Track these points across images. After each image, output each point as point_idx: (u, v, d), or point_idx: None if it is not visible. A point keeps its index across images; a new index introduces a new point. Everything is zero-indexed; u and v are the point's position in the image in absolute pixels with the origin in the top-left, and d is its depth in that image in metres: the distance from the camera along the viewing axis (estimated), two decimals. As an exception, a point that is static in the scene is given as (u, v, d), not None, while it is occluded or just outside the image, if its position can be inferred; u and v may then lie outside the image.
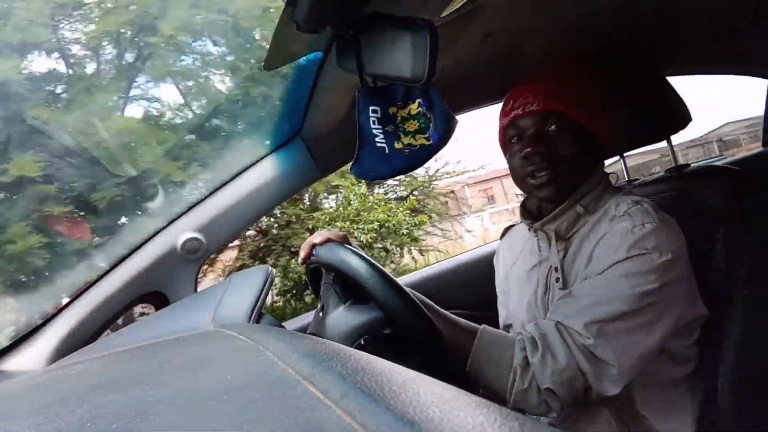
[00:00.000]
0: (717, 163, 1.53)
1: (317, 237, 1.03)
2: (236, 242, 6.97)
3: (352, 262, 0.89)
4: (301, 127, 1.43)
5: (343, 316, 0.92)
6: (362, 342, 0.86)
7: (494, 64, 1.38)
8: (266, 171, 1.43)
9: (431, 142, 0.94)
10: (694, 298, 1.04)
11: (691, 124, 1.33)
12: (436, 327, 0.88)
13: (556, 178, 1.05)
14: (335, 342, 0.51)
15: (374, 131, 0.96)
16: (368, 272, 0.87)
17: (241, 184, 1.42)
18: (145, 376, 0.48)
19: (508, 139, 1.13)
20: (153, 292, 1.37)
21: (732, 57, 1.81)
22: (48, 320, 1.29)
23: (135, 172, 4.18)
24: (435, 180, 8.07)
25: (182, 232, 1.37)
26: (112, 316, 1.32)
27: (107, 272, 1.34)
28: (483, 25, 1.15)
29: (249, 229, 6.75)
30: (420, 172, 7.81)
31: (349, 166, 1.04)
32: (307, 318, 1.69)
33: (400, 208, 7.15)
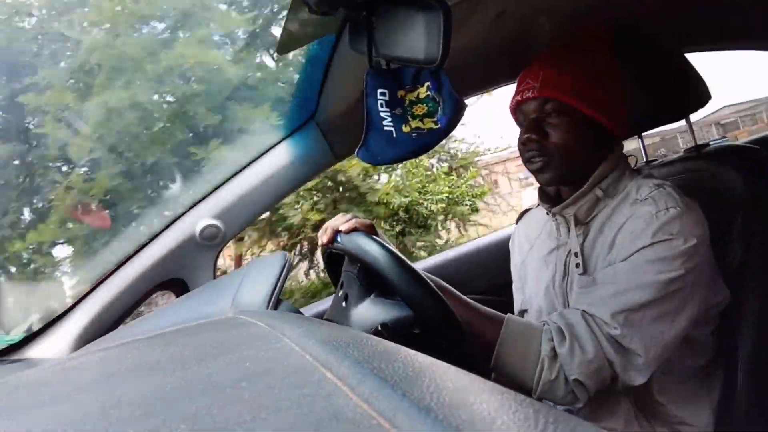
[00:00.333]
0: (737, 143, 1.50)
1: (341, 223, 0.97)
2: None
3: (381, 257, 0.85)
4: (315, 111, 1.42)
5: (369, 310, 0.90)
6: (379, 328, 0.86)
7: (506, 45, 1.36)
8: (282, 156, 1.44)
9: (439, 125, 0.93)
10: (716, 282, 1.02)
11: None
12: (465, 331, 0.86)
13: (550, 165, 1.05)
14: None
15: (382, 114, 0.95)
16: (397, 269, 0.83)
17: (257, 170, 1.43)
18: (165, 363, 0.49)
19: (517, 122, 1.13)
20: (172, 279, 1.38)
21: (752, 31, 1.76)
22: (70, 308, 1.32)
23: (153, 158, 4.21)
24: (480, 155, 7.98)
25: (200, 219, 1.38)
26: (133, 304, 1.34)
27: (127, 260, 1.36)
28: (495, 4, 1.13)
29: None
30: (463, 147, 7.72)
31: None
32: (325, 304, 1.70)
33: (462, 180, 7.15)
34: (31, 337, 1.29)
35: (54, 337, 1.27)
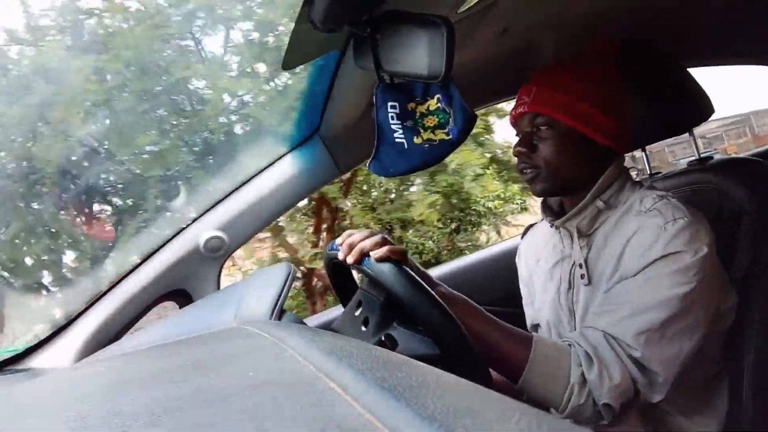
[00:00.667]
0: (742, 155, 1.50)
1: (370, 245, 0.90)
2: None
3: (416, 297, 0.82)
4: (319, 125, 1.43)
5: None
6: (382, 338, 0.86)
7: (510, 60, 1.37)
8: (286, 169, 1.44)
9: (451, 136, 0.94)
10: (725, 286, 1.04)
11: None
12: (491, 377, 0.87)
13: (539, 177, 1.07)
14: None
15: (393, 127, 0.95)
16: (431, 311, 0.81)
17: (262, 183, 1.44)
18: (169, 373, 0.49)
19: (517, 135, 1.15)
20: (177, 290, 1.39)
21: (754, 46, 1.77)
22: (75, 319, 1.32)
23: (160, 171, 4.23)
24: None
25: (204, 231, 1.39)
26: (136, 314, 1.34)
27: (132, 271, 1.36)
28: (499, 20, 1.15)
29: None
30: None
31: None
32: (328, 315, 1.70)
33: (510, 181, 7.21)
34: (35, 347, 1.29)
35: (58, 347, 1.28)
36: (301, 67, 1.20)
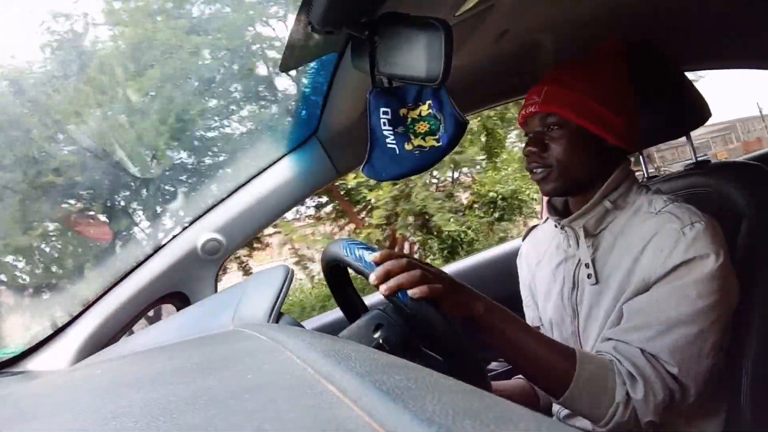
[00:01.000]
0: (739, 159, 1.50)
1: (407, 281, 0.83)
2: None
3: (451, 343, 0.80)
4: (317, 128, 1.43)
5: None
6: (380, 341, 0.86)
7: (510, 62, 1.38)
8: (283, 171, 1.44)
9: (441, 143, 0.94)
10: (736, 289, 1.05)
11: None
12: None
13: (550, 176, 1.07)
14: None
15: (385, 132, 0.96)
16: (463, 359, 0.81)
17: (259, 185, 1.44)
18: (167, 375, 0.49)
19: (526, 135, 1.15)
20: (174, 292, 1.39)
21: (753, 51, 1.78)
22: (72, 320, 1.32)
23: (155, 173, 4.23)
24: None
25: (202, 233, 1.39)
26: (134, 316, 1.34)
27: (129, 273, 1.36)
28: (497, 23, 1.15)
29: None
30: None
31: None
32: (326, 318, 1.70)
33: None
34: (32, 349, 1.29)
35: (55, 349, 1.27)
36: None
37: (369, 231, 7.10)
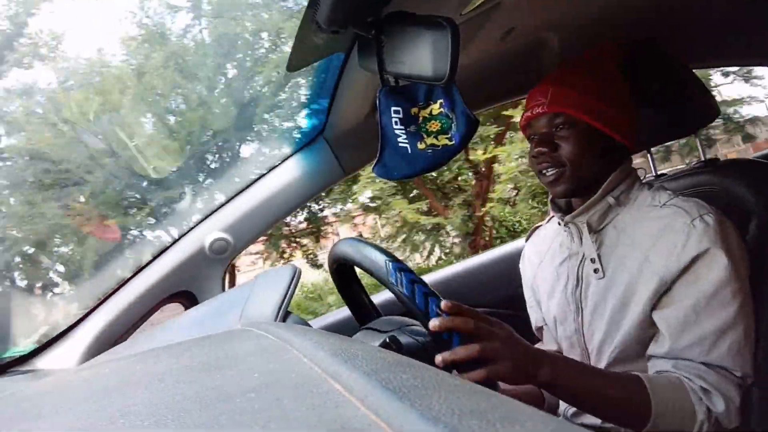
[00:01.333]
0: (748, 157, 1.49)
1: (462, 360, 0.81)
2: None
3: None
4: (323, 127, 1.44)
5: None
6: (387, 340, 0.86)
7: (516, 61, 1.37)
8: (291, 171, 1.45)
9: (454, 142, 0.94)
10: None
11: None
12: None
13: (563, 176, 1.07)
14: None
15: (397, 131, 0.96)
16: None
17: (267, 185, 1.44)
18: (175, 374, 0.49)
19: (528, 138, 1.15)
20: (182, 291, 1.39)
21: (755, 48, 1.76)
22: (80, 320, 1.33)
23: (165, 173, 4.25)
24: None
25: (209, 233, 1.39)
26: (142, 316, 1.35)
27: (137, 272, 1.37)
28: (504, 21, 1.15)
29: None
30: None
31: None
32: (332, 317, 1.70)
33: None
34: (41, 348, 1.30)
35: (64, 348, 1.28)
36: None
37: (491, 205, 7.19)
